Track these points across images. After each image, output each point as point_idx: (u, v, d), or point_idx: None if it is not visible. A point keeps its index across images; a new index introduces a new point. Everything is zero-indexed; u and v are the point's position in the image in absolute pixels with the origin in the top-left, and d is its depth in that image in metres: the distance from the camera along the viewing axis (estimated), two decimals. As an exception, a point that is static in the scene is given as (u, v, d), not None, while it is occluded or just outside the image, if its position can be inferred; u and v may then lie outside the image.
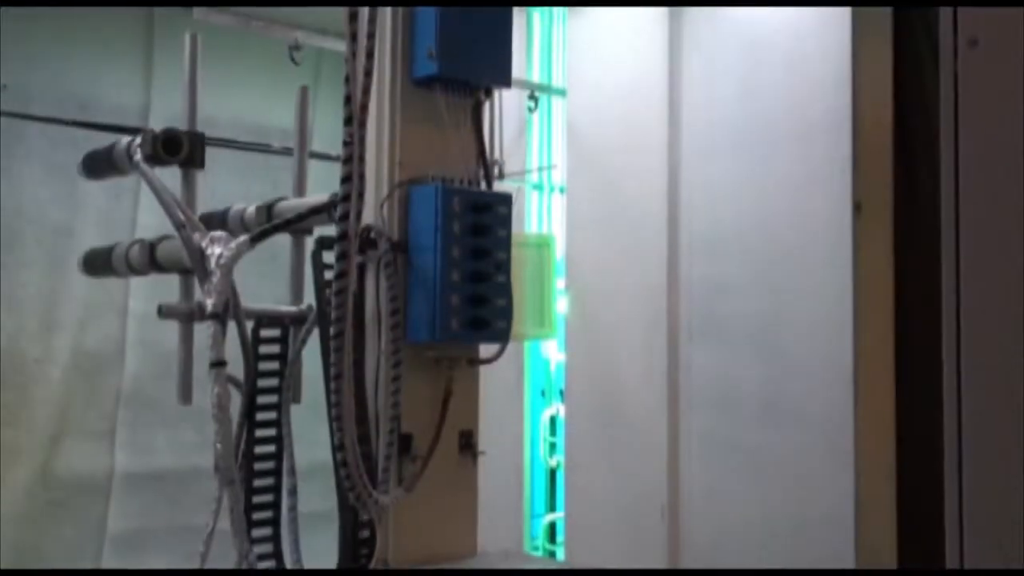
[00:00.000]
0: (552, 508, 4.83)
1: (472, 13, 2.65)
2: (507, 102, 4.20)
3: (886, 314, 3.30)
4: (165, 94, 4.42)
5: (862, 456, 3.19)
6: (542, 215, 5.06)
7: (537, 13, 4.84)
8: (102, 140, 4.28)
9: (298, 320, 2.83)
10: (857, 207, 3.25)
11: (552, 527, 4.83)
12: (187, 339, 2.68)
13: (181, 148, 2.68)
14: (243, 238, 2.46)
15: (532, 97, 4.74)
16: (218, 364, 2.29)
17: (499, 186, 2.96)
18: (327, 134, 4.83)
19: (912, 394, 3.27)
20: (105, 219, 4.30)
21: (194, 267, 2.49)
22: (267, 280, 4.18)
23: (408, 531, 2.59)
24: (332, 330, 2.34)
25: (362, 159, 2.36)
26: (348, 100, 2.35)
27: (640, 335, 3.90)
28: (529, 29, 4.83)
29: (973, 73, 1.32)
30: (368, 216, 2.53)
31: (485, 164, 2.79)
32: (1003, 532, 1.31)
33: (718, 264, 3.67)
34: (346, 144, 2.34)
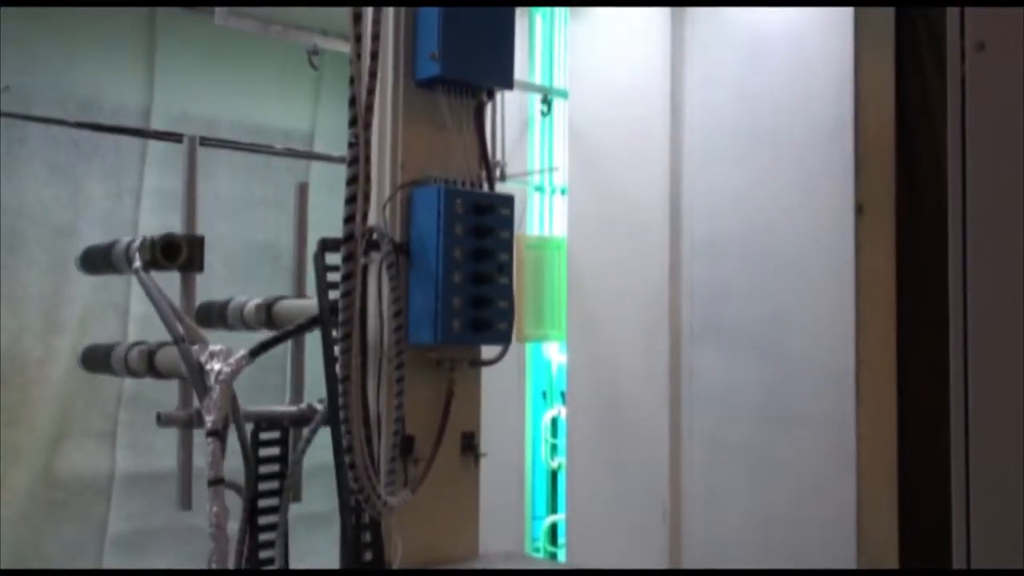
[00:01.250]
0: (553, 510, 4.83)
1: (475, 15, 2.64)
2: (509, 104, 4.22)
3: (888, 317, 3.29)
4: (167, 94, 4.41)
5: (864, 459, 3.18)
6: (544, 217, 5.05)
7: (539, 15, 4.84)
8: (104, 140, 4.29)
9: (298, 421, 2.79)
10: (859, 209, 3.24)
11: (553, 529, 4.82)
12: (186, 445, 2.65)
13: (180, 253, 2.66)
14: (242, 353, 2.45)
15: (545, 101, 4.74)
16: (216, 482, 2.28)
17: (501, 188, 2.95)
18: (330, 135, 4.84)
19: (914, 397, 3.26)
20: (107, 220, 4.29)
21: (192, 382, 2.48)
22: (268, 282, 4.19)
23: (409, 533, 2.59)
24: (339, 332, 2.34)
25: (368, 160, 2.35)
26: (353, 102, 2.34)
27: (642, 337, 3.90)
28: (531, 31, 4.83)
29: (981, 77, 1.31)
30: (370, 218, 2.53)
31: (487, 166, 2.78)
32: (1011, 532, 1.30)
33: (720, 267, 3.66)
34: (351, 145, 2.34)
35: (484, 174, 2.76)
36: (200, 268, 2.70)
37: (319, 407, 2.68)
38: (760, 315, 3.51)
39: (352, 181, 2.34)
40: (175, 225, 2.74)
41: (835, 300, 3.26)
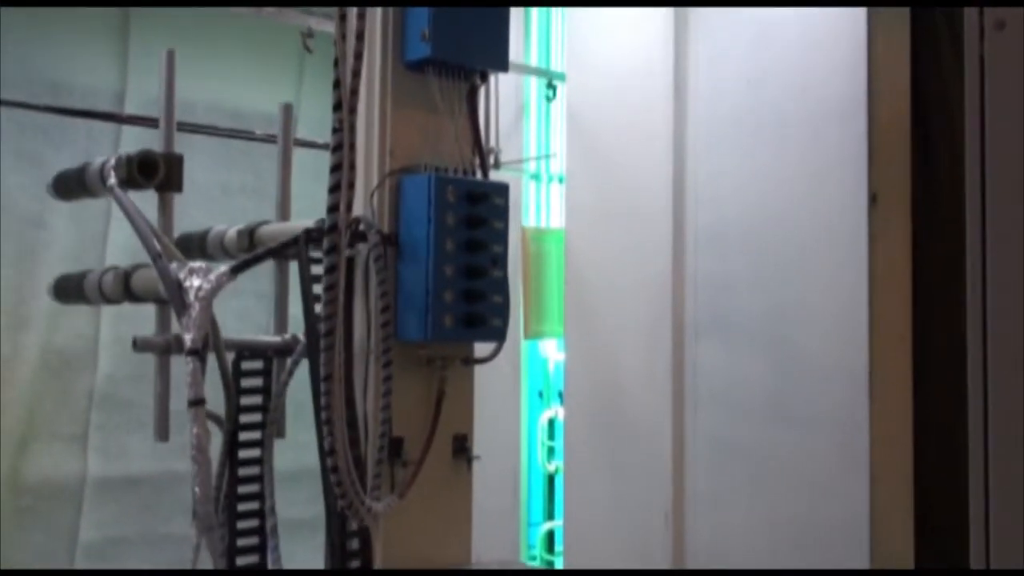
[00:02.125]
0: (550, 516, 4.84)
1: (467, -8, 2.65)
2: (504, 87, 4.22)
3: (903, 311, 3.30)
4: (141, 77, 4.40)
5: (877, 461, 3.19)
6: (540, 207, 5.05)
7: (535, -7, 4.84)
8: (74, 126, 4.28)
9: (282, 351, 2.81)
10: (873, 198, 3.24)
11: (550, 536, 4.83)
12: (164, 372, 2.66)
13: (157, 171, 2.65)
14: (223, 269, 2.46)
15: (550, 85, 4.73)
16: (197, 403, 2.28)
17: (495, 176, 2.95)
18: (313, 120, 4.83)
19: (931, 395, 3.27)
20: (77, 209, 4.28)
21: (171, 300, 2.48)
22: (249, 274, 4.18)
23: (398, 540, 2.59)
24: (322, 328, 2.34)
25: (353, 147, 2.35)
26: (337, 84, 2.34)
27: (643, 333, 3.90)
28: (527, 10, 4.83)
29: (1000, 57, 1.31)
30: (357, 207, 2.52)
31: (481, 152, 2.78)
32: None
33: (725, 259, 3.67)
34: (335, 131, 2.33)
35: (477, 161, 2.76)
36: (179, 188, 2.71)
37: (302, 339, 2.69)
38: (768, 309, 3.52)
39: (336, 168, 2.33)
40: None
41: (847, 294, 3.27)
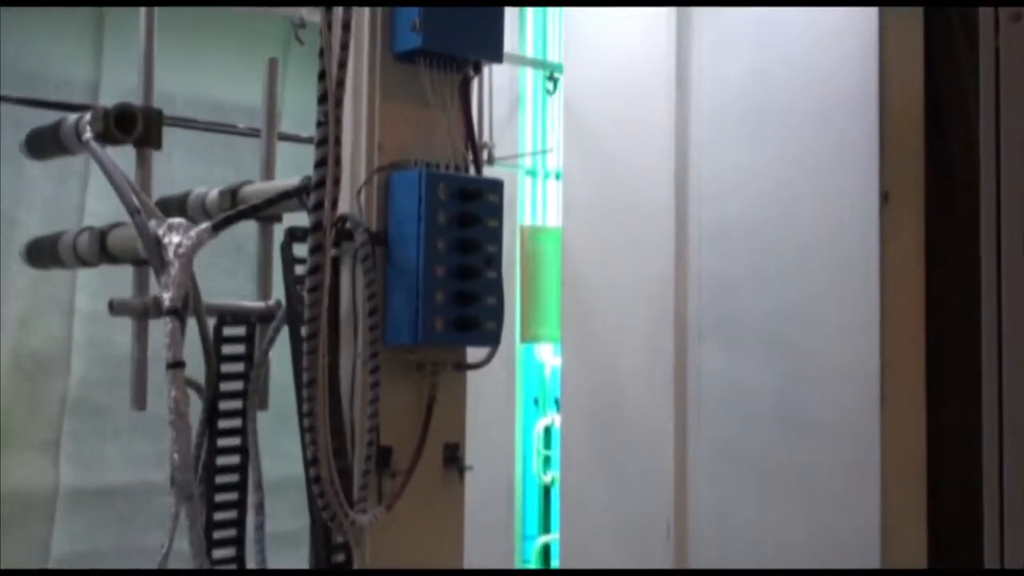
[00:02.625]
0: (546, 529, 4.84)
1: (460, -20, 2.65)
2: (498, 79, 4.20)
3: (916, 313, 3.31)
4: (117, 68, 4.39)
5: (889, 469, 3.20)
6: (536, 204, 5.05)
7: (531, -20, 4.85)
8: (47, 118, 4.26)
9: (265, 317, 2.82)
10: (884, 196, 3.25)
11: (546, 550, 4.83)
12: (141, 337, 2.66)
13: (136, 125, 2.67)
14: (205, 225, 2.46)
15: (551, 78, 4.73)
16: (176, 365, 2.29)
17: (489, 172, 2.95)
18: (297, 113, 4.82)
19: (945, 400, 3.27)
20: (51, 206, 4.27)
21: (150, 257, 2.48)
22: (231, 276, 4.18)
23: (386, 554, 2.59)
24: (305, 331, 2.34)
25: (338, 141, 2.35)
26: (323, 75, 2.34)
27: (644, 336, 3.90)
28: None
29: (1016, 49, 1.31)
30: (343, 205, 2.52)
31: (474, 147, 2.78)
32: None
33: (730, 258, 3.67)
34: (320, 124, 2.33)
35: (470, 157, 2.76)
36: (158, 145, 2.71)
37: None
38: (775, 311, 3.52)
39: (320, 164, 2.33)
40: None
41: (858, 295, 3.28)
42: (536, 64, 5.00)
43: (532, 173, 5.06)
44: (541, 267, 4.52)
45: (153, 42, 2.75)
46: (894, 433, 3.21)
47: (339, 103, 2.38)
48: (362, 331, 2.57)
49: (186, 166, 4.61)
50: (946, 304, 3.30)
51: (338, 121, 2.37)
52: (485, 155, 3.36)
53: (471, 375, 2.77)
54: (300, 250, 2.54)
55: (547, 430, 4.84)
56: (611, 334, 4.06)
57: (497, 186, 2.70)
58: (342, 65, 2.38)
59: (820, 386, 3.37)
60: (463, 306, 2.58)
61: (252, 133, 4.57)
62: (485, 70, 2.85)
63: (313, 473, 2.35)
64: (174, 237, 2.42)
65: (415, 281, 2.52)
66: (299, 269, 2.52)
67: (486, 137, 4.06)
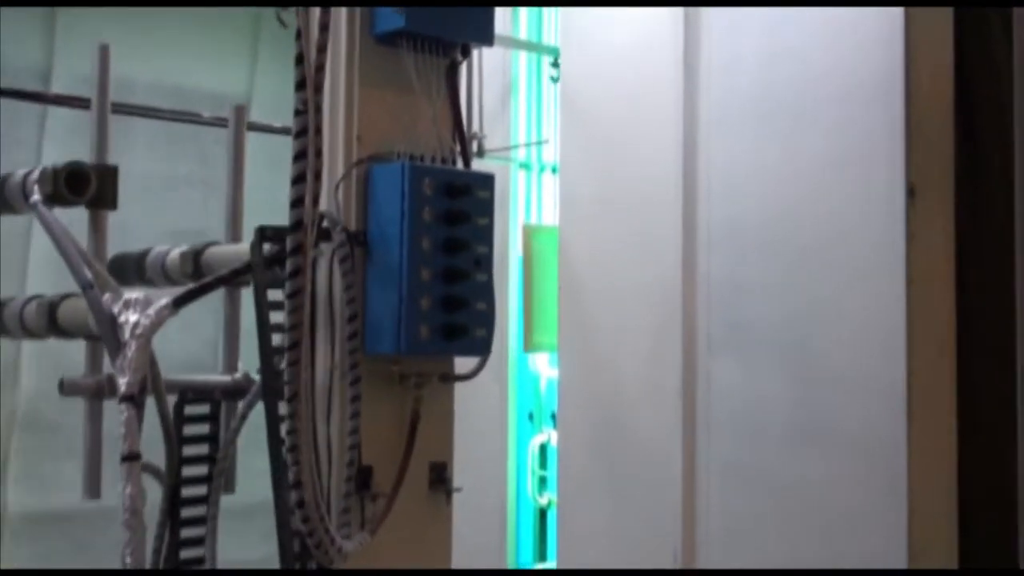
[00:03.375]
0: (542, 556, 4.83)
1: (447, -45, 2.65)
2: (488, 64, 4.22)
3: (945, 319, 3.31)
4: (71, 51, 4.39)
5: (917, 489, 3.20)
6: (531, 200, 5.06)
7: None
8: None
9: (232, 393, 2.80)
10: (910, 190, 3.26)
11: (542, 578, 4.82)
12: (95, 419, 2.63)
13: (88, 185, 2.63)
14: (164, 302, 2.44)
15: (556, 64, 4.72)
16: (131, 458, 2.27)
17: (479, 165, 2.95)
18: (268, 101, 4.82)
19: (978, 415, 3.28)
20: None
21: (103, 337, 2.46)
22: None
23: (368, 583, 2.59)
24: (286, 340, 2.34)
25: (319, 131, 2.35)
26: (300, 60, 2.34)
27: (648, 345, 3.91)
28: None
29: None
30: (320, 202, 2.52)
31: (462, 138, 2.78)
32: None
33: (743, 259, 3.68)
34: (298, 113, 2.33)
35: (458, 148, 2.76)
36: (113, 205, 2.68)
37: (257, 378, 2.68)
38: (791, 316, 3.52)
39: (300, 156, 2.33)
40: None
41: (883, 300, 3.28)
42: (531, 47, 5.00)
43: (526, 166, 5.07)
44: (546, 269, 4.51)
45: (108, 89, 2.71)
46: (922, 450, 3.22)
47: (319, 90, 2.38)
48: (340, 340, 2.56)
49: (147, 160, 4.61)
50: (978, 308, 3.31)
51: (318, 109, 2.37)
52: (475, 147, 3.37)
53: (459, 388, 2.77)
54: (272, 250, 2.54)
55: (543, 448, 4.84)
56: (612, 343, 4.05)
57: (488, 180, 2.70)
58: (322, 49, 2.38)
59: (841, 399, 3.38)
60: (450, 312, 2.58)
61: (219, 123, 4.58)
62: (475, 54, 2.86)
63: (296, 497, 2.35)
64: (131, 315, 2.39)
65: (398, 285, 2.52)
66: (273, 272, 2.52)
67: (476, 127, 4.07)
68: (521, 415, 4.89)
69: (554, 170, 4.87)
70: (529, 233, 4.82)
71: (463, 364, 2.75)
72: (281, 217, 2.39)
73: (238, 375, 2.85)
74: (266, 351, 2.49)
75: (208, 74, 4.81)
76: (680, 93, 3.86)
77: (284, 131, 2.41)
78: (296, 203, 2.32)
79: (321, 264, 2.61)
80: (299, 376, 2.34)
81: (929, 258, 3.28)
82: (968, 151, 3.34)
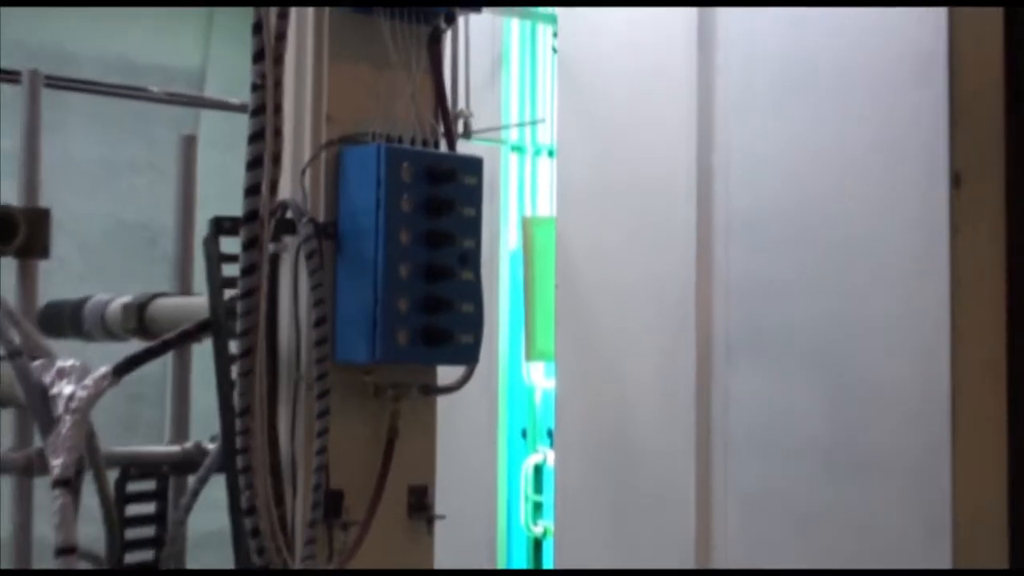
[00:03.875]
0: (537, 592, 4.83)
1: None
2: (476, 33, 4.19)
3: (994, 324, 3.31)
4: (2, 19, 4.38)
5: (963, 518, 3.20)
6: (524, 187, 5.05)
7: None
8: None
9: (181, 467, 2.80)
10: (955, 179, 3.26)
11: (537, 617, 4.83)
12: (24, 500, 2.63)
13: (16, 232, 2.63)
14: (103, 371, 2.43)
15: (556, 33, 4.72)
16: (66, 551, 2.25)
17: (465, 147, 2.95)
18: (227, 75, 4.82)
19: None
20: None
21: (33, 412, 2.45)
22: (141, 277, 4.16)
23: (337, 625, 2.59)
24: (239, 347, 2.34)
25: (279, 109, 2.35)
26: (259, 27, 2.34)
27: (658, 353, 3.91)
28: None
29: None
30: (284, 189, 2.52)
31: (446, 117, 2.79)
32: None
33: (766, 255, 3.68)
34: (256, 88, 2.33)
35: (441, 129, 2.76)
36: (44, 254, 2.67)
37: (211, 447, 2.67)
38: (821, 321, 3.53)
39: (257, 137, 2.33)
40: (8, 198, 2.72)
41: (923, 301, 3.28)
42: (525, 14, 5.00)
43: (519, 149, 5.06)
44: (550, 267, 4.50)
45: (39, 124, 2.70)
46: (968, 476, 3.22)
47: (279, 61, 2.38)
48: (306, 346, 2.56)
49: (87, 142, 4.61)
50: (1032, 312, 3.32)
51: (278, 84, 2.37)
52: (460, 127, 3.36)
53: (443, 401, 2.77)
54: (230, 245, 2.54)
55: (537, 469, 4.84)
56: (617, 350, 4.05)
57: (475, 165, 2.70)
58: (283, 15, 2.38)
59: (877, 416, 3.38)
60: (433, 315, 2.58)
61: (170, 99, 4.58)
62: (460, 21, 2.86)
63: (250, 524, 2.34)
64: (65, 387, 2.38)
65: (372, 283, 2.52)
66: (228, 269, 2.52)
67: (461, 104, 4.05)
68: (513, 432, 4.88)
69: (551, 153, 4.87)
70: (530, 226, 4.81)
71: (447, 374, 2.75)
72: (238, 206, 2.39)
73: (188, 446, 2.85)
74: (225, 374, 2.49)
75: (158, 47, 4.80)
76: (694, 66, 3.86)
77: (242, 108, 2.40)
78: (251, 191, 2.32)
79: (285, 260, 2.61)
80: (253, 387, 2.33)
81: (976, 255, 3.28)
82: (1019, 133, 3.35)
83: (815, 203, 3.57)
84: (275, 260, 2.58)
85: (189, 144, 3.05)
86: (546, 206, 5.01)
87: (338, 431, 2.55)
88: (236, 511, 2.41)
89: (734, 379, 3.72)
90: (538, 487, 4.83)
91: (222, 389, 2.48)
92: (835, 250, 3.52)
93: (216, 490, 2.61)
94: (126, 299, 2.96)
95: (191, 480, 2.72)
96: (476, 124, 4.54)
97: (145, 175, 4.73)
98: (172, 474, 2.81)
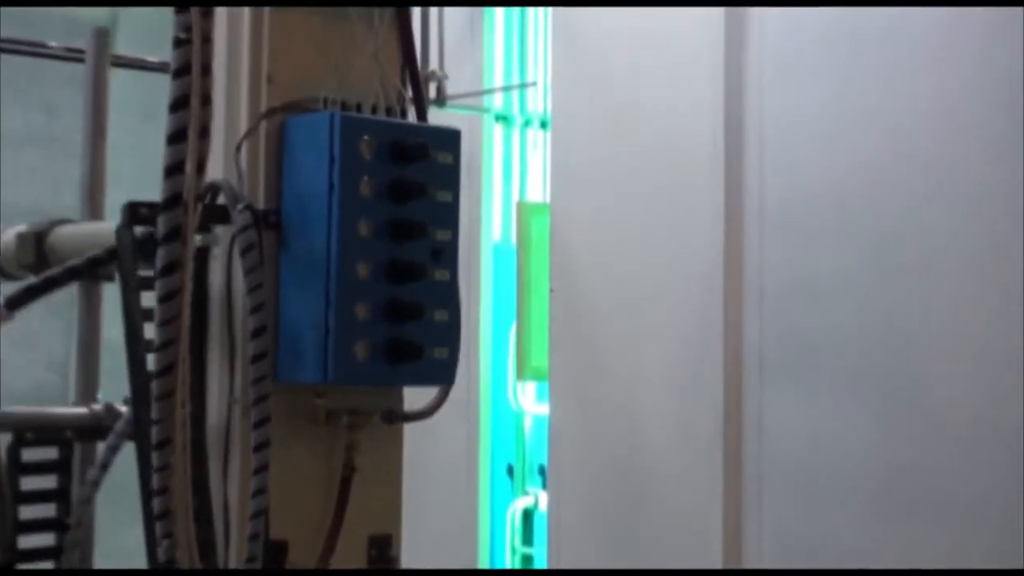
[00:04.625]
0: (527, 665, 4.84)
1: None
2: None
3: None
4: None
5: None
6: (511, 165, 5.05)
7: None
8: None
9: (88, 432, 2.80)
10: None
11: None
12: None
13: None
14: None
15: None
16: None
17: (438, 117, 2.95)
18: (141, 28, 4.81)
19: None
20: None
21: None
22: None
23: None
24: (156, 363, 2.33)
25: (207, 69, 2.34)
26: (181, -31, 2.33)
27: (676, 371, 3.91)
28: None
29: None
30: (214, 169, 2.51)
31: (415, 80, 2.78)
32: None
33: (808, 251, 3.69)
34: (179, 43, 2.32)
35: (410, 94, 2.76)
36: None
37: (124, 409, 2.67)
38: (877, 333, 3.54)
39: (181, 104, 2.32)
40: None
41: (1001, 310, 3.29)
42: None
43: (505, 119, 5.06)
44: (548, 265, 4.50)
45: None
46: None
47: (208, 13, 2.37)
48: (242, 362, 2.55)
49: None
50: None
51: (207, 39, 2.36)
52: (432, 91, 3.36)
53: (411, 431, 2.76)
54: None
55: (527, 515, 4.84)
56: (625, 367, 4.06)
57: (450, 139, 2.68)
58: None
59: (946, 450, 3.39)
60: (398, 324, 2.57)
61: (72, 56, 4.57)
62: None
63: (169, 581, 2.34)
64: None
65: (324, 285, 2.51)
66: (146, 268, 2.51)
67: (434, 65, 4.06)
68: (497, 469, 4.89)
69: (543, 124, 4.87)
70: (525, 214, 4.81)
71: (416, 397, 2.75)
72: (156, 189, 2.38)
73: (97, 407, 2.84)
74: (139, 372, 2.48)
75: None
76: (721, 23, 3.87)
77: (162, 68, 2.40)
78: (173, 169, 2.31)
79: (215, 256, 2.60)
80: (173, 414, 2.32)
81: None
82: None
83: (870, 190, 3.58)
84: (203, 255, 2.57)
85: (101, 40, 3.04)
86: (539, 189, 5.01)
87: (281, 468, 2.54)
88: (152, 559, 2.41)
89: (769, 403, 3.73)
90: (527, 537, 4.84)
91: (137, 414, 2.47)
92: (894, 246, 3.52)
93: (125, 533, 2.61)
94: (21, 228, 2.96)
95: (100, 449, 2.72)
96: (452, 88, 4.55)
97: (44, 148, 4.73)
98: (77, 441, 2.80)
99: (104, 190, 3.03)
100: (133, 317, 2.53)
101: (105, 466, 2.72)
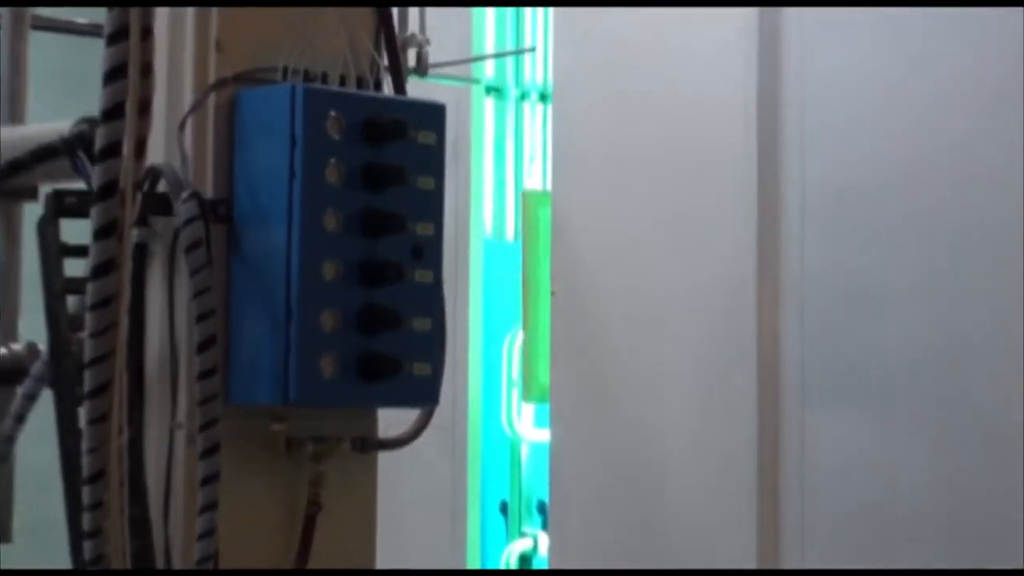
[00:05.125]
0: None
1: None
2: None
3: None
4: None
5: None
6: (504, 144, 5.06)
7: None
8: None
9: (5, 374, 2.83)
10: None
11: None
12: None
13: None
14: None
15: None
16: None
17: (418, 89, 2.94)
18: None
19: None
20: None
21: None
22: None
23: None
24: (88, 381, 2.32)
25: (148, 33, 2.34)
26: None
27: (702, 392, 3.91)
28: None
29: None
30: (155, 151, 2.51)
31: (392, 46, 2.79)
32: None
33: (858, 249, 3.69)
34: (113, 5, 2.31)
35: (386, 62, 2.76)
36: None
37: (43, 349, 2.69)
38: (941, 348, 3.54)
39: (116, 75, 2.32)
40: None
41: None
42: None
43: (497, 91, 5.07)
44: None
45: None
46: None
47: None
48: (186, 381, 2.55)
49: None
50: None
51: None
52: (412, 59, 3.35)
53: (388, 462, 2.76)
54: (75, 232, 2.53)
55: (524, 560, 4.85)
56: (641, 389, 4.06)
57: (434, 115, 2.68)
58: None
59: (1008, 475, 3.39)
60: (372, 334, 2.57)
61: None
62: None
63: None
64: None
65: (284, 289, 2.51)
66: (74, 267, 2.50)
67: (414, 27, 4.07)
68: (490, 506, 4.89)
69: (543, 97, 4.88)
70: (532, 205, 4.81)
71: (393, 421, 2.75)
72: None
73: (16, 346, 2.86)
74: (57, 328, 2.49)
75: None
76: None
77: (94, 32, 2.40)
78: (107, 152, 2.31)
79: (156, 254, 2.59)
80: (107, 443, 2.31)
81: None
82: None
83: (924, 176, 3.59)
84: (142, 253, 2.56)
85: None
86: (538, 174, 5.02)
87: (233, 504, 2.54)
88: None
89: (813, 428, 3.73)
90: (525, 586, 4.85)
91: (64, 443, 2.47)
92: (951, 244, 3.53)
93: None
94: None
95: (18, 392, 2.76)
96: (436, 56, 4.55)
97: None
98: None
99: (24, 111, 3.05)
100: (58, 326, 2.53)
101: (20, 417, 2.74)
